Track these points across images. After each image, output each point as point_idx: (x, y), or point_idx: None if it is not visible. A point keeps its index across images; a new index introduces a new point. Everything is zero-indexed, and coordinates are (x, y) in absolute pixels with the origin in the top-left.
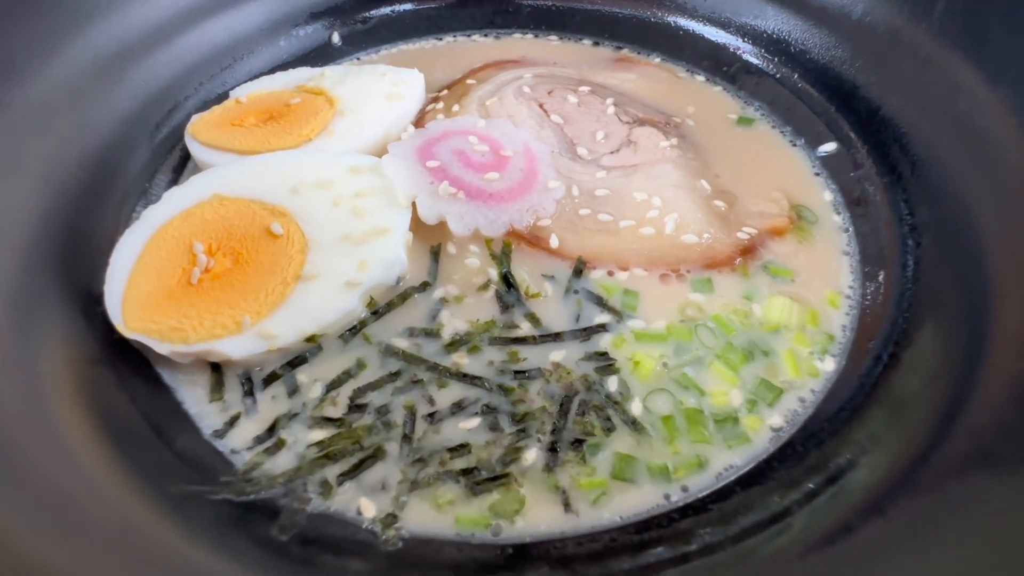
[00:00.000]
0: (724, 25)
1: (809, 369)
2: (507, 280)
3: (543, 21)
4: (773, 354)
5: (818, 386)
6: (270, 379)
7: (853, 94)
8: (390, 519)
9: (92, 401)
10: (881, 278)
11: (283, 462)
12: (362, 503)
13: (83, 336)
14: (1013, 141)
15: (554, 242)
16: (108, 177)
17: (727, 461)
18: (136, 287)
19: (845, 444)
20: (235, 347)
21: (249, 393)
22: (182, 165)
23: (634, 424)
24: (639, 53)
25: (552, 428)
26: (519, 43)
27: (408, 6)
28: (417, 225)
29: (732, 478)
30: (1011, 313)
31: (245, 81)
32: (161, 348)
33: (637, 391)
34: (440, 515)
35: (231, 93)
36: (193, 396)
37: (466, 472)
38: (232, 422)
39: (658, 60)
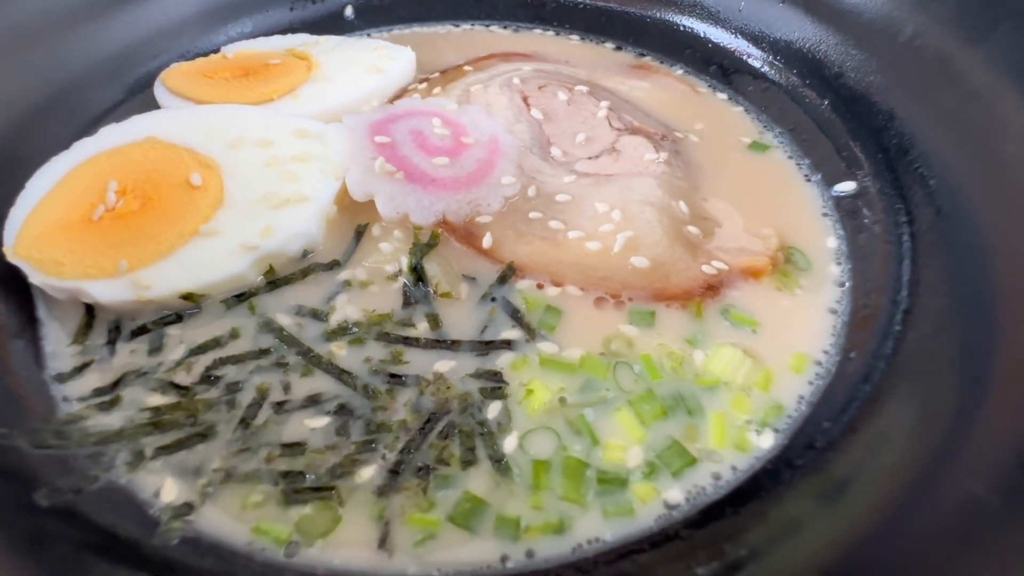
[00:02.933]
0: (757, 40)
1: (738, 441)
2: (417, 273)
3: (567, 19)
4: (699, 414)
5: (743, 464)
6: (138, 332)
7: (886, 127)
8: (184, 509)
9: None
10: (868, 356)
11: (108, 421)
12: (166, 484)
13: None
14: None
15: (487, 242)
16: (69, 109)
17: (594, 532)
18: (40, 215)
19: (742, 537)
20: (104, 290)
21: (111, 343)
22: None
23: (499, 463)
24: (662, 63)
25: (403, 447)
26: (537, 39)
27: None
28: (351, 201)
29: (591, 554)
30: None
31: (242, 40)
32: (34, 278)
33: (519, 425)
34: (241, 518)
35: (221, 49)
36: (56, 334)
37: (289, 475)
38: (81, 368)
39: (680, 72)
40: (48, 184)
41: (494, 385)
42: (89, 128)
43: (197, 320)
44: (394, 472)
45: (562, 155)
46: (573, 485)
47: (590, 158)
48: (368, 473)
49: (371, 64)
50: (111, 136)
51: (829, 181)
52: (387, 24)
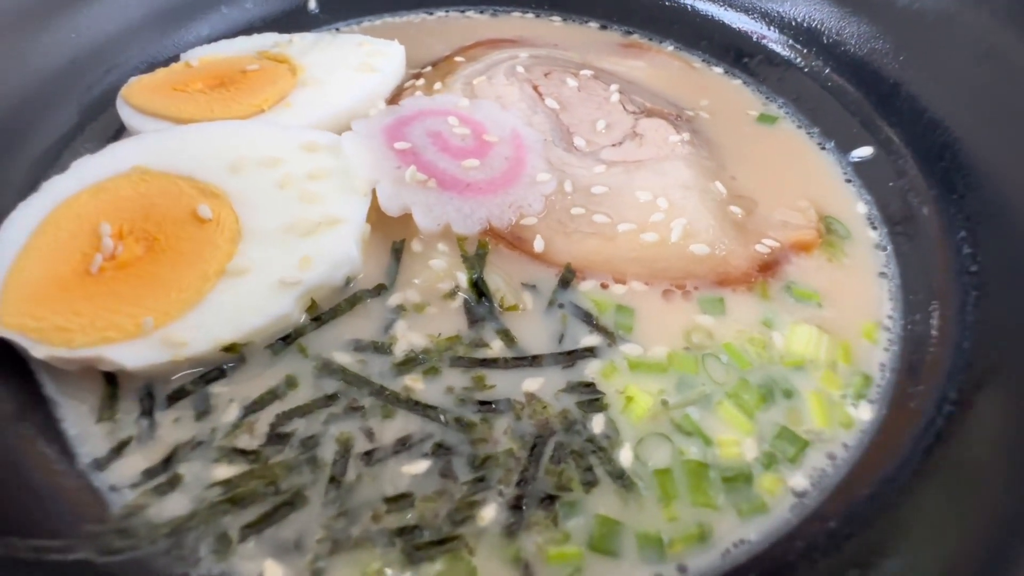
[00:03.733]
0: (747, 10)
1: (841, 418)
2: (478, 288)
3: (544, 2)
4: (796, 396)
5: (852, 439)
6: (176, 396)
7: (895, 93)
8: None
9: None
10: (932, 309)
11: (175, 506)
12: (267, 568)
13: None
14: None
15: (539, 245)
16: (16, 138)
17: (737, 534)
18: (22, 272)
19: (889, 521)
20: (130, 355)
21: (147, 413)
22: (117, 135)
23: (622, 478)
24: (651, 39)
25: (519, 479)
26: (518, 22)
27: None
28: (378, 217)
29: (743, 559)
30: None
31: (201, 44)
32: (38, 352)
33: (628, 435)
34: None
35: (182, 56)
36: (76, 413)
37: (404, 532)
38: (119, 449)
39: (671, 48)
40: (22, 235)
41: (591, 397)
42: (47, 161)
43: (243, 372)
44: (516, 507)
45: (586, 145)
46: (700, 489)
47: (614, 145)
48: (489, 514)
49: (362, 62)
50: (87, 170)
51: (844, 148)
52: (355, 16)
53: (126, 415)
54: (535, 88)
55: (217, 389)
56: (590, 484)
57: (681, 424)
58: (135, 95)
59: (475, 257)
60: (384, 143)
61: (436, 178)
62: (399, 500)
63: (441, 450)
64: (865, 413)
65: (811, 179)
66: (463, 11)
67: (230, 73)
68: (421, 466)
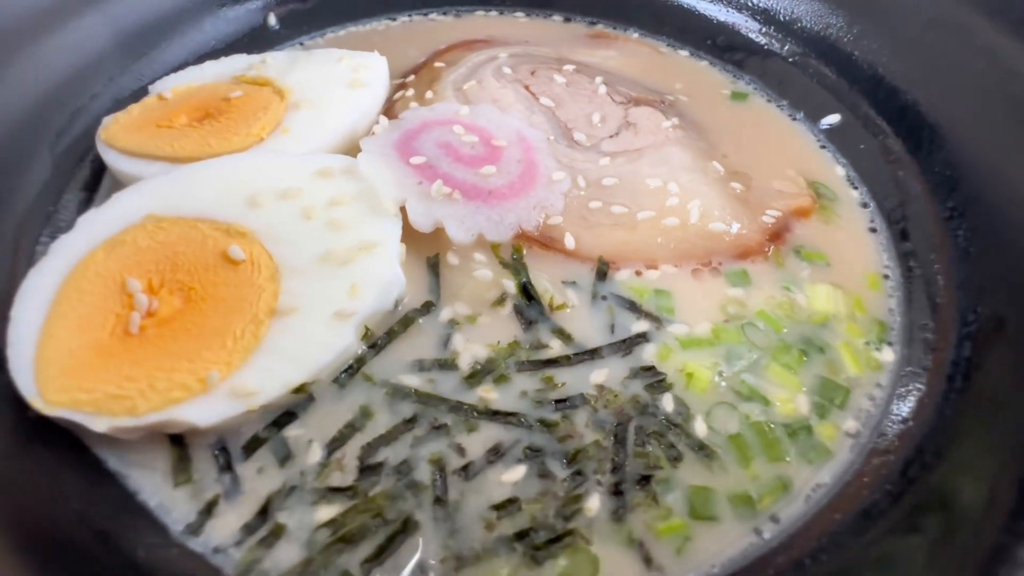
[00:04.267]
0: None
1: (870, 362)
2: (527, 292)
3: None
4: (829, 349)
5: (884, 380)
6: (252, 446)
7: (853, 63)
8: None
9: (6, 510)
10: (923, 253)
11: (287, 556)
12: None
13: None
14: None
15: (570, 242)
16: None
17: (813, 480)
18: (53, 345)
19: (934, 440)
20: (203, 413)
21: (227, 468)
22: (95, 181)
23: (703, 449)
24: (615, 28)
25: (612, 466)
26: (483, 21)
27: None
28: (407, 234)
29: (824, 501)
30: None
31: (167, 73)
32: (99, 425)
33: (696, 408)
34: None
35: (150, 88)
36: (151, 482)
37: (521, 536)
38: (209, 510)
39: (636, 35)
40: (42, 305)
41: (654, 380)
42: (34, 220)
43: (314, 411)
44: (617, 493)
45: (587, 139)
46: (771, 446)
47: (611, 137)
48: (594, 504)
49: (350, 78)
50: (95, 225)
51: (813, 117)
52: (317, 28)
53: (204, 474)
54: (527, 88)
55: (293, 432)
56: (676, 459)
57: (740, 391)
58: (118, 137)
59: (516, 262)
60: (399, 160)
61: (459, 189)
62: (507, 506)
63: (532, 452)
64: (888, 355)
65: (790, 149)
66: (426, 14)
67: (213, 102)
68: (518, 471)
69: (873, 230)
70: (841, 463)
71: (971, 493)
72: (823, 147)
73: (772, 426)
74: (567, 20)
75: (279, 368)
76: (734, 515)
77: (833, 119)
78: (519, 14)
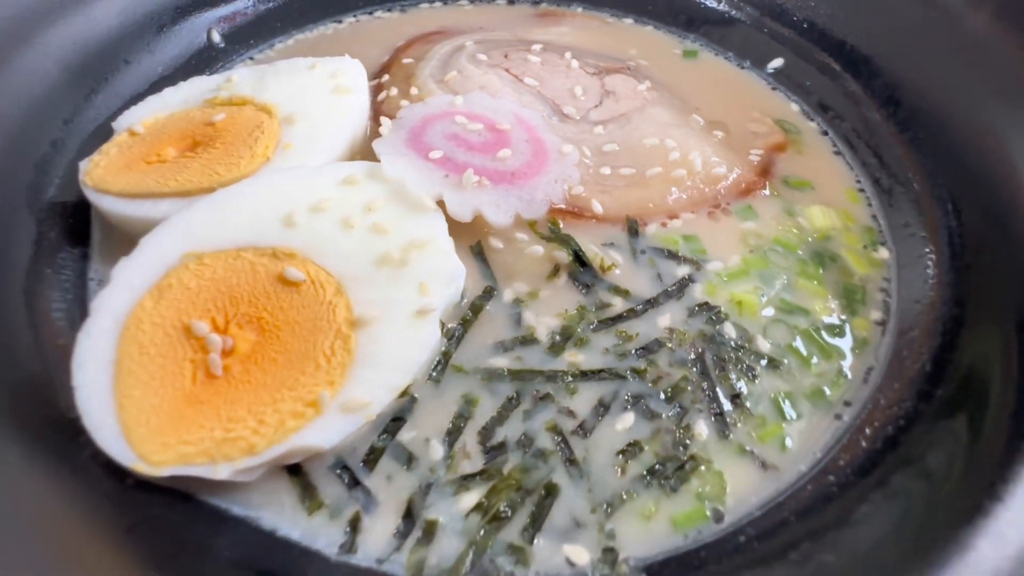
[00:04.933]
0: None
1: (872, 261)
2: (579, 259)
3: None
4: (838, 257)
5: (888, 274)
6: (372, 457)
7: (784, 9)
8: (610, 555)
9: None
10: (884, 163)
11: (448, 547)
12: (568, 552)
13: (83, 501)
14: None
15: (598, 207)
16: None
17: (864, 365)
18: (133, 407)
19: (949, 307)
20: (324, 434)
21: (355, 483)
22: (85, 231)
23: (771, 362)
24: (559, 5)
25: (706, 395)
26: (430, 13)
27: None
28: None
29: (879, 380)
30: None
31: (124, 107)
32: (220, 472)
33: (753, 329)
34: (654, 526)
35: (115, 126)
36: (284, 517)
37: (651, 472)
38: (354, 527)
39: (580, 9)
40: (103, 368)
41: (711, 313)
42: (41, 288)
43: (419, 411)
44: (718, 415)
45: (576, 112)
46: (822, 347)
47: (596, 107)
48: (702, 429)
49: (332, 85)
50: (132, 275)
51: (759, 64)
52: (264, 40)
53: (334, 496)
54: (507, 71)
55: (407, 436)
56: (753, 375)
57: (782, 307)
58: (107, 180)
59: (566, 235)
60: (418, 157)
61: (485, 176)
62: (630, 450)
63: (634, 399)
64: (884, 253)
65: (748, 95)
66: (371, 12)
67: (197, 129)
68: (628, 419)
69: (838, 153)
70: (878, 347)
71: (990, 355)
72: (774, 88)
73: (818, 330)
74: (511, 2)
75: (382, 375)
76: (814, 409)
77: (777, 63)
78: (463, 2)
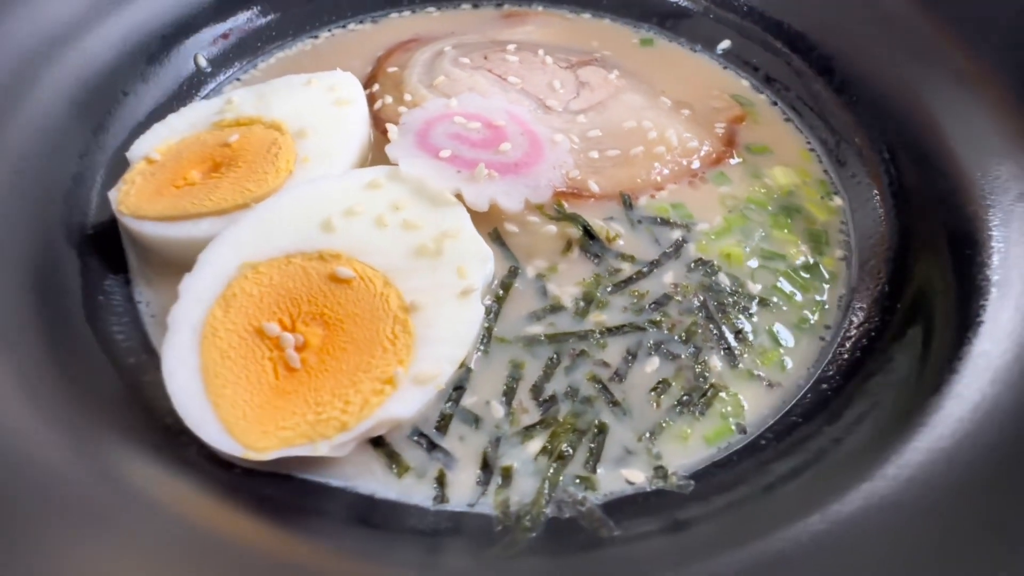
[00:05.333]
0: None
1: (829, 209)
2: (588, 233)
3: None
4: (801, 209)
5: (844, 218)
6: (443, 423)
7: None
8: (660, 471)
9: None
10: (828, 123)
11: (525, 486)
12: (625, 474)
13: (206, 491)
14: None
15: (594, 187)
16: (58, 318)
17: (836, 294)
18: (228, 407)
19: (904, 237)
20: (405, 406)
21: (433, 446)
22: (120, 258)
23: (763, 302)
24: (520, 5)
25: (715, 335)
26: (400, 22)
27: (264, 9)
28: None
29: (849, 305)
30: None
31: (132, 137)
32: (321, 449)
33: (743, 276)
34: (691, 444)
35: (129, 156)
36: (378, 482)
37: (681, 402)
38: (441, 482)
39: (541, 8)
40: (193, 375)
41: (706, 267)
42: (98, 317)
43: (476, 379)
44: (727, 349)
45: (559, 104)
46: (803, 284)
47: (574, 98)
48: (715, 363)
49: (332, 98)
50: (198, 290)
51: (709, 46)
52: (247, 60)
53: (417, 460)
54: (491, 71)
55: (469, 401)
56: (749, 314)
57: (763, 254)
58: (143, 207)
59: (572, 214)
60: (430, 157)
61: (494, 168)
62: (660, 387)
63: (655, 345)
64: (838, 201)
65: (703, 75)
66: (344, 26)
67: (213, 151)
68: (654, 362)
69: (788, 119)
70: (846, 278)
71: (933, 272)
72: (726, 68)
73: (795, 270)
74: (475, 6)
75: (442, 350)
76: (802, 334)
77: (725, 44)
78: (430, 9)
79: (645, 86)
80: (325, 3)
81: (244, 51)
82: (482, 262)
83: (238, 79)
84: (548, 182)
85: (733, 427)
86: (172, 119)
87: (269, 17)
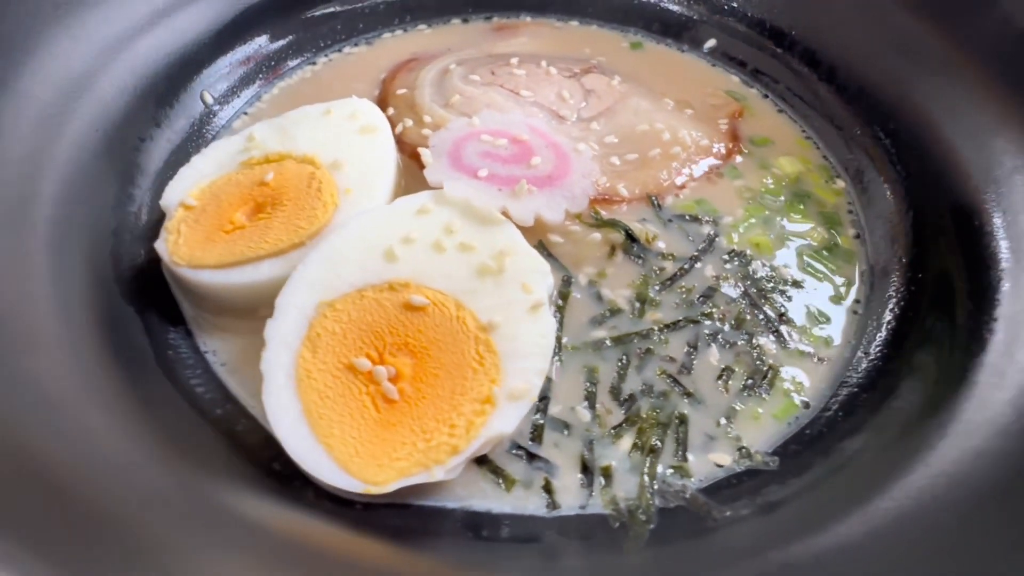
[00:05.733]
0: None
1: (835, 191)
2: (629, 236)
3: (405, 13)
4: (811, 194)
5: (850, 199)
6: (536, 434)
7: (707, 2)
8: (744, 451)
9: None
10: (824, 112)
11: (627, 482)
12: (713, 458)
13: (335, 531)
14: None
15: (623, 191)
16: (139, 379)
17: (859, 269)
18: (338, 445)
19: (905, 218)
20: (506, 422)
21: (532, 457)
22: (175, 310)
23: (796, 283)
24: (509, 17)
25: (761, 319)
26: (394, 42)
27: (261, 40)
28: None
29: (873, 279)
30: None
31: (159, 184)
32: (437, 475)
33: (774, 262)
34: (763, 423)
35: (163, 204)
36: (489, 498)
37: (747, 385)
38: (548, 490)
39: (528, 19)
40: (297, 418)
41: (739, 257)
42: (173, 370)
43: (556, 388)
44: (776, 332)
45: (571, 114)
46: (829, 263)
47: (583, 106)
48: (769, 345)
49: (357, 127)
50: (283, 332)
51: (696, 45)
52: (251, 92)
53: (519, 472)
54: (502, 87)
55: (555, 409)
56: (787, 296)
57: (788, 240)
58: (197, 256)
59: (611, 220)
60: (470, 178)
61: (531, 183)
62: (725, 374)
63: (711, 335)
64: (841, 184)
65: (695, 74)
66: (340, 50)
67: (252, 191)
68: (714, 352)
69: (781, 111)
70: (861, 254)
71: (943, 240)
72: (714, 65)
73: (819, 251)
74: (465, 21)
75: (528, 364)
76: (838, 310)
77: (711, 43)
78: (422, 26)
79: (646, 89)
80: (320, 29)
81: (247, 84)
82: (543, 275)
83: (245, 113)
84: (582, 191)
85: (798, 403)
86: (197, 161)
87: (267, 48)
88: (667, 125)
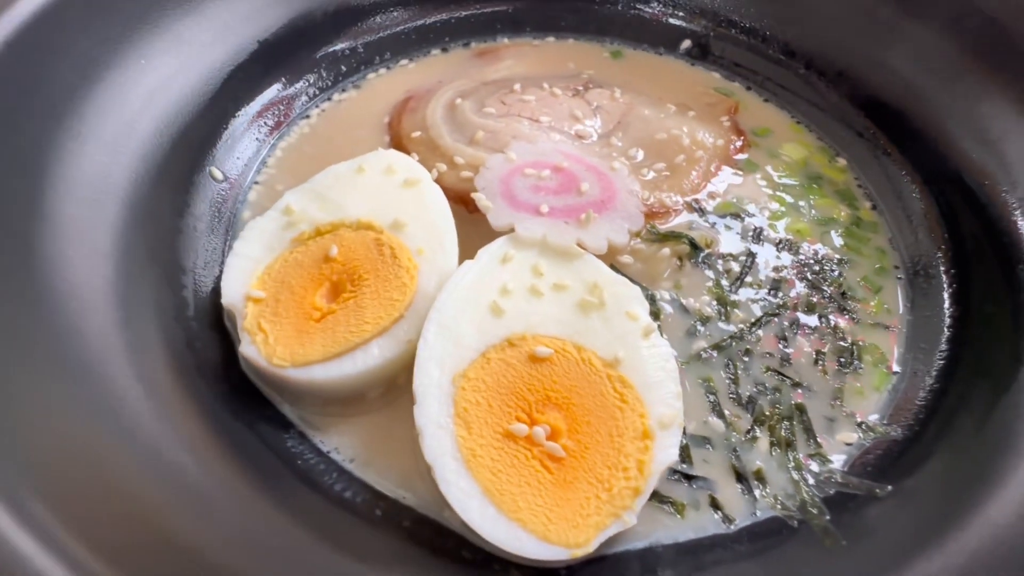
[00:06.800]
0: None
1: (840, 169)
2: (693, 245)
3: (385, 50)
4: (821, 175)
5: (856, 172)
6: (685, 455)
7: (674, 3)
8: (864, 425)
9: None
10: (810, 99)
11: (779, 479)
12: (840, 438)
13: None
14: None
15: (670, 203)
16: (283, 497)
17: (886, 236)
18: (531, 518)
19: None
20: (668, 452)
21: (689, 478)
22: (276, 414)
23: (841, 261)
24: (487, 41)
25: (826, 299)
26: (381, 83)
27: (253, 106)
28: None
29: (903, 242)
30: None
31: (201, 278)
32: (630, 521)
33: (817, 245)
34: (867, 396)
35: (224, 302)
36: (669, 529)
37: (841, 364)
38: (716, 506)
39: (506, 40)
40: (482, 503)
41: (788, 244)
42: (319, 484)
43: (685, 406)
44: (843, 309)
45: (591, 132)
46: (860, 238)
47: (597, 124)
48: (842, 323)
49: (400, 181)
50: (432, 415)
51: (672, 48)
52: (254, 160)
53: (684, 495)
54: (520, 115)
55: (691, 427)
56: (840, 274)
57: (820, 222)
58: (299, 353)
59: (668, 233)
60: (534, 217)
61: (592, 210)
62: (819, 358)
63: (793, 325)
64: (842, 162)
65: (679, 75)
66: (330, 98)
67: (322, 270)
68: (801, 341)
69: (767, 100)
70: (886, 223)
71: (954, 201)
72: (693, 65)
73: (850, 227)
74: (444, 51)
75: (664, 390)
76: (884, 277)
77: (686, 44)
78: (404, 61)
79: (645, 97)
80: (305, 80)
81: (247, 153)
82: (640, 299)
83: (256, 182)
84: (635, 208)
85: (885, 371)
86: (241, 248)
87: (260, 111)
88: (682, 131)
